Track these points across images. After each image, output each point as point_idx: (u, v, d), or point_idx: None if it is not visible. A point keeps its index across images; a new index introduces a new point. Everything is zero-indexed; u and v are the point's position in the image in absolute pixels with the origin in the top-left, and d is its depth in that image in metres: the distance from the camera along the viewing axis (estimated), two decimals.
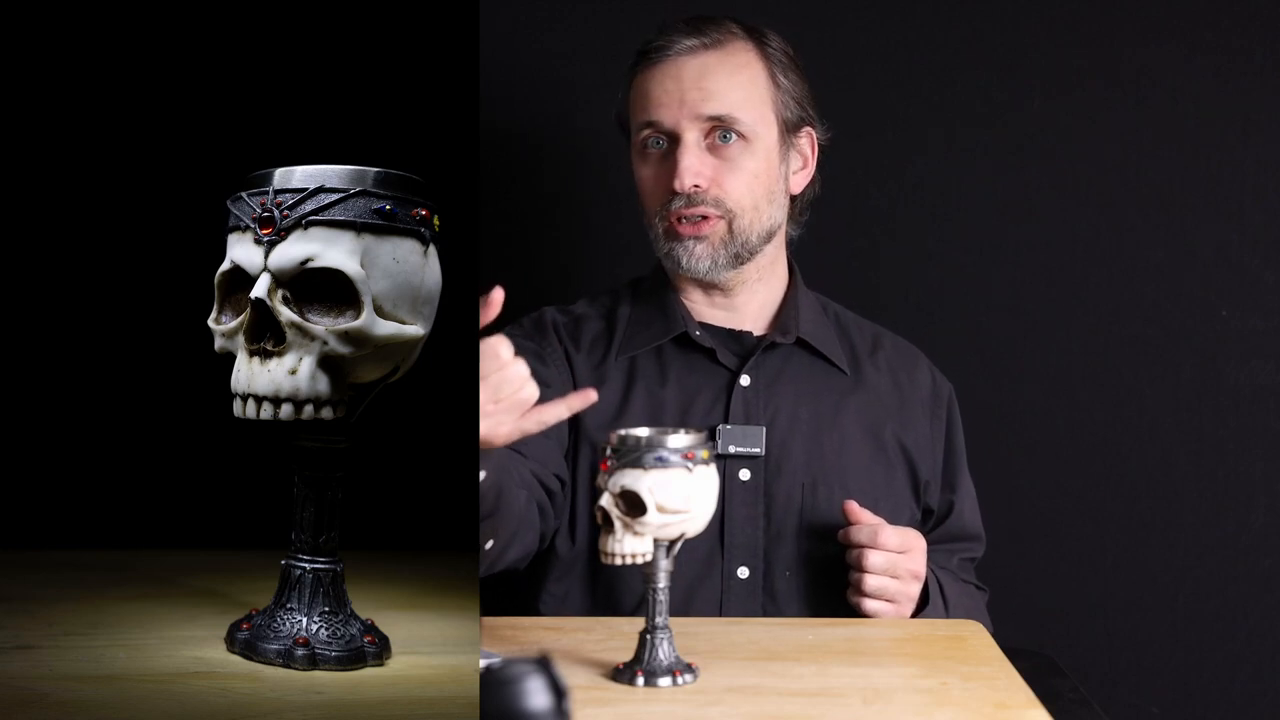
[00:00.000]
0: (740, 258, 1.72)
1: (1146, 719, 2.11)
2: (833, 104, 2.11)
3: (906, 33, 2.13)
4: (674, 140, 1.69)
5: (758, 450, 1.68)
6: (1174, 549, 2.11)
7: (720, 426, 1.68)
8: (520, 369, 1.32)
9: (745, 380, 1.72)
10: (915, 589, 1.61)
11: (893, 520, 1.63)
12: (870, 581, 1.58)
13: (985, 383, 2.00)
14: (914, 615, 1.61)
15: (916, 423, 1.76)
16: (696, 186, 1.68)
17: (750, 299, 1.77)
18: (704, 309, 1.77)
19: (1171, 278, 2.10)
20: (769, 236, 1.74)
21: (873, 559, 1.58)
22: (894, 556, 1.59)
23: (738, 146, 1.69)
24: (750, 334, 1.76)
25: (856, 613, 1.59)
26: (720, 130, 1.68)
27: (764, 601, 1.66)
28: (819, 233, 2.07)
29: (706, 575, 1.66)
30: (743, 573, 1.66)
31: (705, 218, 1.69)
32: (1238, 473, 2.10)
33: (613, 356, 1.74)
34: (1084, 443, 2.10)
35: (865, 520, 1.60)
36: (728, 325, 1.77)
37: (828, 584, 1.65)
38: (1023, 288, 2.12)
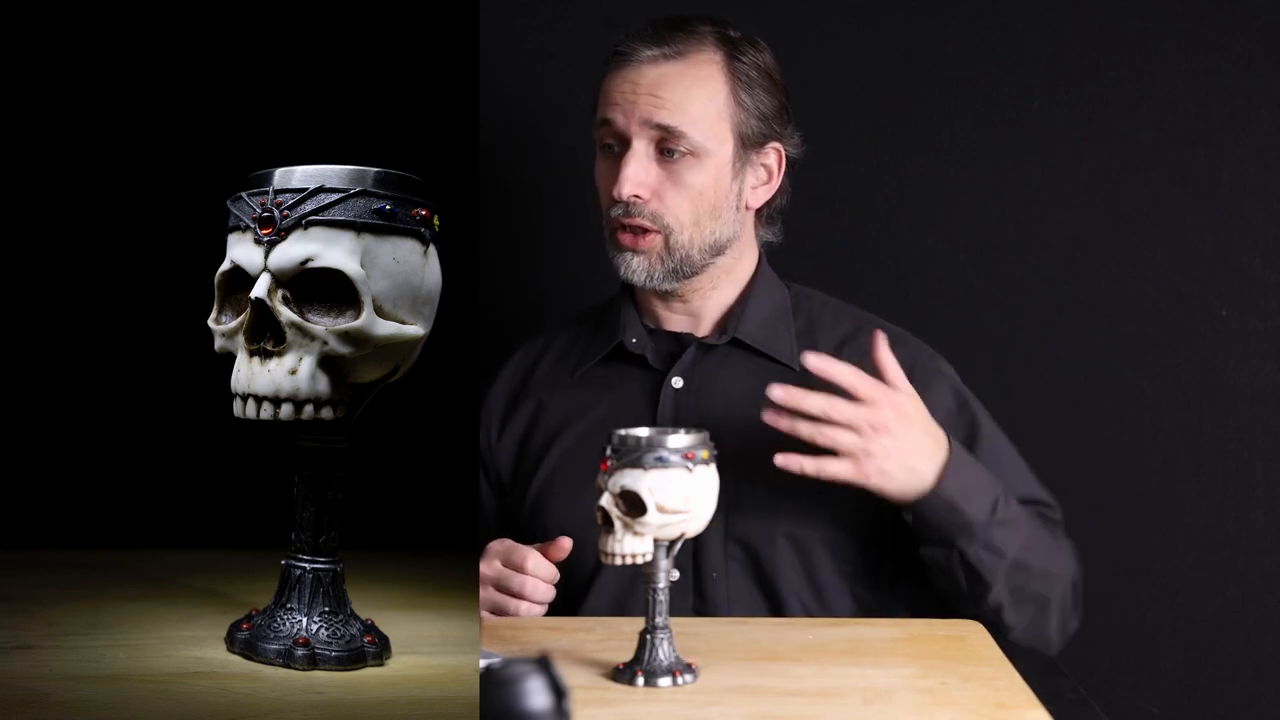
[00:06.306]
0: (680, 273, 1.70)
1: (1146, 719, 2.11)
2: (834, 104, 2.12)
3: (907, 33, 2.13)
4: (625, 145, 1.67)
5: None
6: (1174, 549, 2.11)
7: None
8: (488, 594, 1.55)
9: (678, 382, 1.71)
10: (879, 444, 1.53)
11: (837, 515, 1.61)
12: (831, 434, 1.52)
13: (985, 383, 1.98)
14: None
15: None
16: (636, 196, 1.66)
17: (705, 304, 1.75)
18: (663, 313, 1.76)
19: (1171, 278, 2.10)
20: (716, 250, 1.71)
21: (839, 407, 1.51)
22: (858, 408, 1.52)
23: (685, 161, 1.66)
24: (691, 336, 1.75)
25: (794, 476, 1.54)
26: (668, 143, 1.66)
27: (694, 602, 1.65)
28: (820, 233, 2.08)
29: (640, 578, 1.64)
30: (674, 575, 1.65)
31: (644, 231, 1.67)
32: (1238, 473, 2.09)
33: (573, 374, 1.77)
34: (1084, 443, 2.10)
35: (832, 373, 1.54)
36: (683, 329, 1.75)
37: (754, 582, 1.64)
38: (1023, 288, 2.12)
